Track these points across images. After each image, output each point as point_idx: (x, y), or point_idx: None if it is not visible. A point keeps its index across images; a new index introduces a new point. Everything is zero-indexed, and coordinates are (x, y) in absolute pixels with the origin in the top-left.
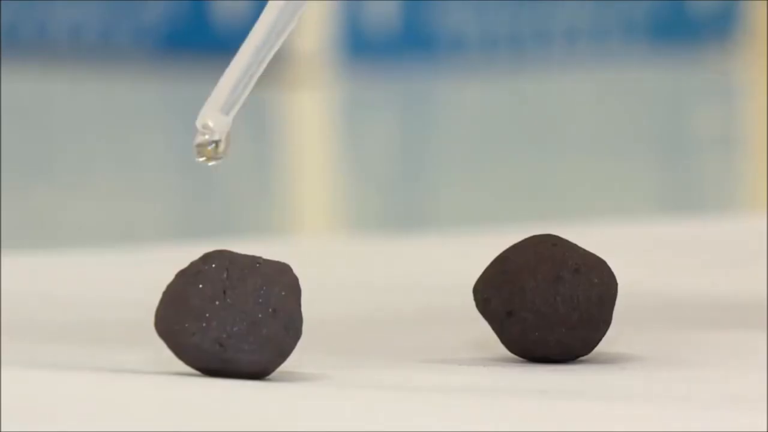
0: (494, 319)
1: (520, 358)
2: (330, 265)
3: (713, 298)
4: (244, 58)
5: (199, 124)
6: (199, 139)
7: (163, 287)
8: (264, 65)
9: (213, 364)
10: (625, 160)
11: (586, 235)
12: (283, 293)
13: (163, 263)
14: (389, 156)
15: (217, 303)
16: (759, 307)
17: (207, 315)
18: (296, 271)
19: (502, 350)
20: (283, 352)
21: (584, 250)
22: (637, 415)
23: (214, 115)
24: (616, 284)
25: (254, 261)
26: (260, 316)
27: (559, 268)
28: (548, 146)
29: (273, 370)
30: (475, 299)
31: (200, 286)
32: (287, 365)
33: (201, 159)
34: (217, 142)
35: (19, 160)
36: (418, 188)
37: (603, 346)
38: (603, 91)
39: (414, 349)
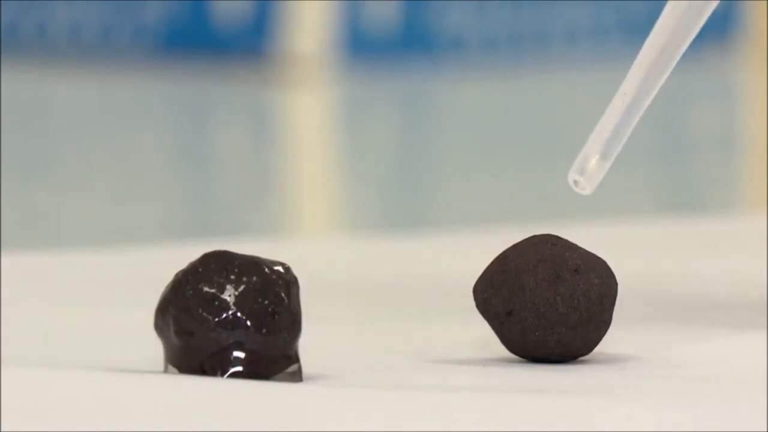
0: (494, 319)
1: (520, 358)
2: (330, 265)
3: (713, 297)
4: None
5: (576, 170)
6: (292, 368)
7: (163, 287)
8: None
9: (213, 364)
10: (624, 160)
11: (586, 235)
12: (282, 293)
13: (163, 263)
14: (389, 156)
15: (216, 303)
16: (759, 307)
17: (207, 315)
18: (296, 271)
19: (502, 350)
20: (283, 352)
21: (584, 250)
22: (637, 415)
23: (593, 161)
24: (616, 284)
25: (254, 261)
26: (260, 316)
27: (559, 268)
28: (548, 146)
29: (273, 369)
30: (475, 299)
31: (200, 286)
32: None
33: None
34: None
35: (19, 160)
36: (418, 188)
37: (603, 346)
38: (603, 91)
39: (414, 349)
